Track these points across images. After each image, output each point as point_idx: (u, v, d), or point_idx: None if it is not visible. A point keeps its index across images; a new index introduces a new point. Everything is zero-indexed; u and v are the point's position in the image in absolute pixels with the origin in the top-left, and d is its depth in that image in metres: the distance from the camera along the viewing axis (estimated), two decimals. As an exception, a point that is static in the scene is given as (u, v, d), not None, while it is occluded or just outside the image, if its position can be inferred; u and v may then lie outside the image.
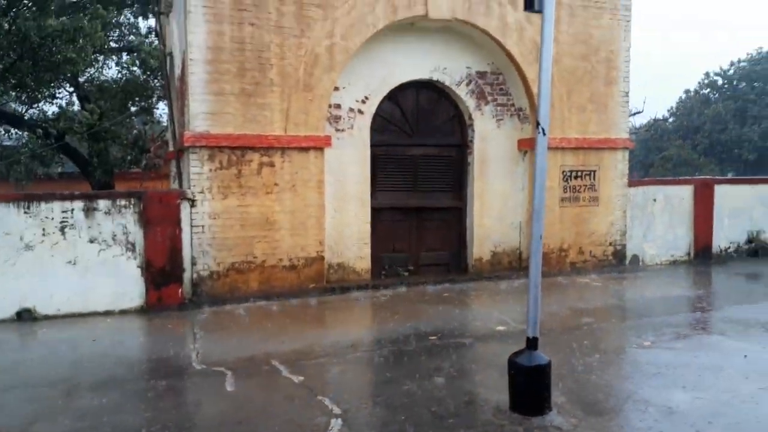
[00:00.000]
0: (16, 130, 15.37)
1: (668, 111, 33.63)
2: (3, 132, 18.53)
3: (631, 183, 10.90)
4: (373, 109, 9.39)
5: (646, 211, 10.98)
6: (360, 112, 9.32)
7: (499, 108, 10.10)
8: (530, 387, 4.22)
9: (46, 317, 7.44)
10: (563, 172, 10.15)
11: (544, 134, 4.27)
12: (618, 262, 10.57)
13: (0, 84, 12.85)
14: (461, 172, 10.11)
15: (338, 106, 9.18)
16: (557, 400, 4.41)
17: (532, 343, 4.27)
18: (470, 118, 9.96)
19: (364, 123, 9.33)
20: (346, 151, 9.20)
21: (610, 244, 10.54)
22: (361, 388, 5.10)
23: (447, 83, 9.76)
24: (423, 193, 9.87)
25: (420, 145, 9.81)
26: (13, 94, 14.49)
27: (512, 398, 4.30)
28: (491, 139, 10.05)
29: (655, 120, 31.75)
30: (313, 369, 5.37)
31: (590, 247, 10.40)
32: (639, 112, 26.52)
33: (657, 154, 30.28)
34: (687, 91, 33.12)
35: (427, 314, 7.48)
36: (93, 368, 5.53)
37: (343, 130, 9.22)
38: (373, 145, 9.40)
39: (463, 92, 9.85)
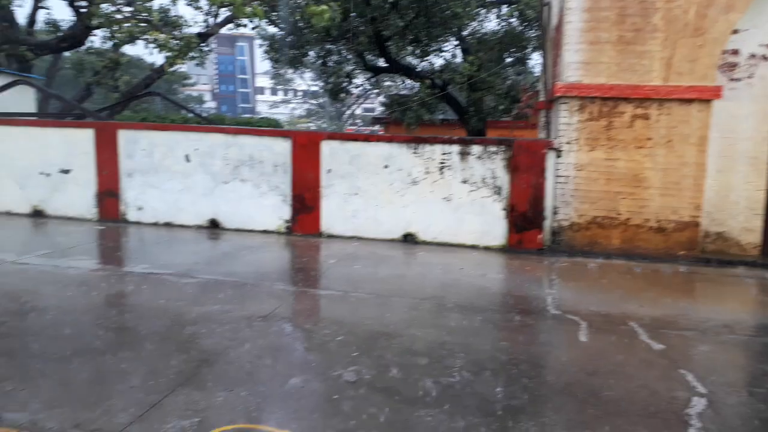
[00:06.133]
0: (409, 80, 17.68)
1: None
2: (400, 82, 21.64)
3: None
4: (786, 54, 7.76)
5: None
6: (765, 57, 7.81)
7: None
8: None
9: (424, 242, 8.67)
10: None
11: None
12: None
13: (400, 39, 14.91)
14: None
15: (735, 52, 7.87)
16: None
17: None
18: None
19: (771, 70, 7.81)
20: (741, 104, 7.89)
21: None
22: (733, 374, 4.47)
23: None
24: None
25: None
26: (410, 48, 16.68)
27: None
28: None
29: None
30: (676, 340, 4.93)
31: None
32: None
33: None
34: None
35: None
36: (458, 291, 6.19)
37: (738, 80, 7.91)
38: (780, 97, 7.84)
39: None
